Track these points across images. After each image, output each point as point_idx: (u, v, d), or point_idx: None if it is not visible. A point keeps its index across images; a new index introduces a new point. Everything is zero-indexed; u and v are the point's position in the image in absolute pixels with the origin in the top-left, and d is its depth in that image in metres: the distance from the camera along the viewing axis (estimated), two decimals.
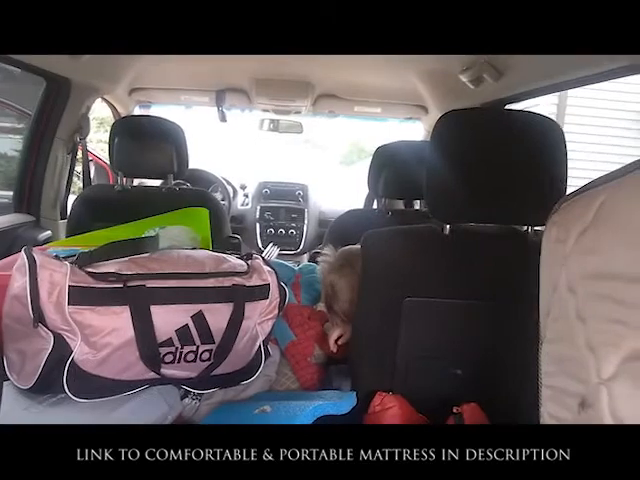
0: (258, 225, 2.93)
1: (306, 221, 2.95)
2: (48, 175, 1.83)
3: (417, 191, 1.68)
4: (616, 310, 0.54)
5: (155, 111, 2.68)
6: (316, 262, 1.58)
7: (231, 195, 2.99)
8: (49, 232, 1.82)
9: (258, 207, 2.96)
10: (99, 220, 1.62)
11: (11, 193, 1.88)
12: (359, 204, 2.57)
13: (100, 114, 3.69)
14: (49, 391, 0.95)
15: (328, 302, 1.22)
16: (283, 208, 2.98)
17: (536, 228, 0.99)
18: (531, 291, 0.80)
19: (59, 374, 0.91)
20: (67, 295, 0.90)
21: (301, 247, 2.92)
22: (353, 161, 11.24)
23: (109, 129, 1.81)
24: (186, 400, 1.10)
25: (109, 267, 0.96)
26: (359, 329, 1.06)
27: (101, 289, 0.93)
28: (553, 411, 0.71)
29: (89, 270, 0.94)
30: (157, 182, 2.52)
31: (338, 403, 0.91)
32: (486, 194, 0.95)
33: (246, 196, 3.09)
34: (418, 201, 1.99)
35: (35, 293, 0.89)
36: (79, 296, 0.91)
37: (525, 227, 1.00)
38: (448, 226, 0.99)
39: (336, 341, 1.17)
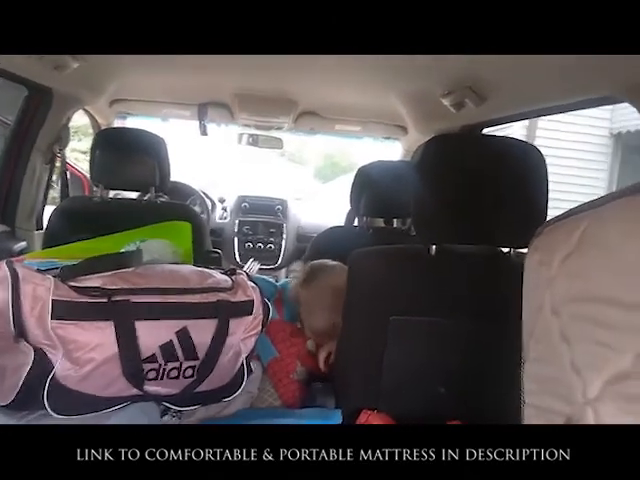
0: (236, 239, 2.92)
1: (285, 236, 2.96)
2: (25, 185, 1.79)
3: (397, 210, 1.73)
4: (600, 333, 0.56)
5: (131, 123, 2.67)
6: None
7: (209, 208, 2.97)
8: (24, 243, 1.78)
9: (237, 221, 2.96)
10: (77, 232, 1.58)
11: None
12: (337, 220, 2.60)
13: (75, 123, 3.65)
14: (27, 408, 0.93)
15: (300, 318, 1.22)
16: (262, 222, 2.98)
17: (518, 250, 1.02)
18: (513, 311, 0.82)
19: (39, 390, 0.89)
20: (50, 309, 0.88)
21: (279, 262, 2.92)
22: (327, 175, 11.34)
23: (83, 138, 1.80)
24: (166, 417, 1.08)
25: (93, 281, 0.95)
26: (344, 347, 1.07)
27: (85, 303, 0.91)
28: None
29: (72, 284, 0.92)
30: (133, 194, 2.53)
31: (324, 422, 0.91)
32: (470, 216, 0.98)
33: (224, 210, 3.08)
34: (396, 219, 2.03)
35: (17, 307, 0.87)
36: (62, 311, 0.89)
37: (507, 249, 1.03)
38: (434, 246, 1.01)
39: (326, 359, 1.17)
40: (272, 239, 2.95)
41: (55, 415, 0.91)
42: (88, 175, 2.79)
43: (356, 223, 1.93)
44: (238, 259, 2.86)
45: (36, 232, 1.92)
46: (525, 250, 1.00)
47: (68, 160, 2.43)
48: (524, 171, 0.96)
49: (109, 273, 0.98)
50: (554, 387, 0.69)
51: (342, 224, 2.06)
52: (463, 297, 1.00)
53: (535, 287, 0.75)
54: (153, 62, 1.71)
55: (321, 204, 5.27)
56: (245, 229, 2.95)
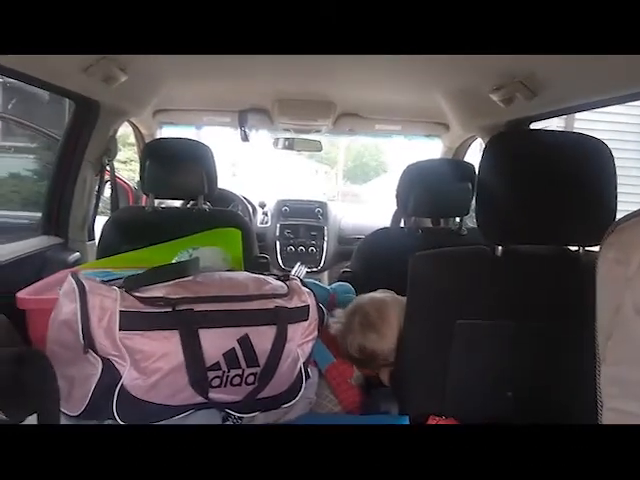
0: (278, 243, 2.92)
1: (326, 238, 2.95)
2: (76, 197, 1.83)
3: (447, 209, 1.70)
4: None
5: (166, 132, 2.70)
6: (348, 281, 1.58)
7: (251, 213, 2.99)
8: (78, 254, 1.82)
9: (278, 225, 2.96)
10: (130, 241, 1.62)
11: (26, 213, 1.89)
12: (377, 221, 2.57)
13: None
14: (96, 417, 0.95)
15: (363, 364, 1.18)
16: (303, 226, 2.98)
17: (587, 248, 0.98)
18: (584, 312, 0.79)
19: (108, 400, 0.91)
20: (118, 320, 0.89)
21: (321, 265, 2.92)
22: (357, 176, 11.30)
23: (121, 148, 1.84)
24: (227, 424, 1.09)
25: (156, 291, 0.96)
26: (408, 352, 1.05)
27: (151, 314, 0.93)
28: None
29: (137, 295, 0.94)
30: (177, 202, 2.57)
31: None
32: (538, 215, 0.94)
33: (265, 214, 3.09)
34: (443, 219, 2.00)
35: (85, 319, 0.89)
36: (129, 321, 0.91)
37: (576, 247, 0.99)
38: (500, 247, 0.98)
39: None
40: (313, 242, 2.95)
41: (123, 424, 0.92)
42: (131, 184, 2.89)
43: (402, 224, 1.90)
44: (281, 263, 2.86)
45: (88, 243, 1.96)
46: (595, 248, 0.97)
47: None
48: (593, 167, 0.93)
49: (171, 282, 0.99)
50: (636, 390, 0.66)
51: (385, 226, 2.02)
52: (531, 298, 0.97)
53: (611, 286, 0.72)
54: (195, 72, 1.73)
55: (359, 206, 5.27)
56: (286, 233, 2.95)
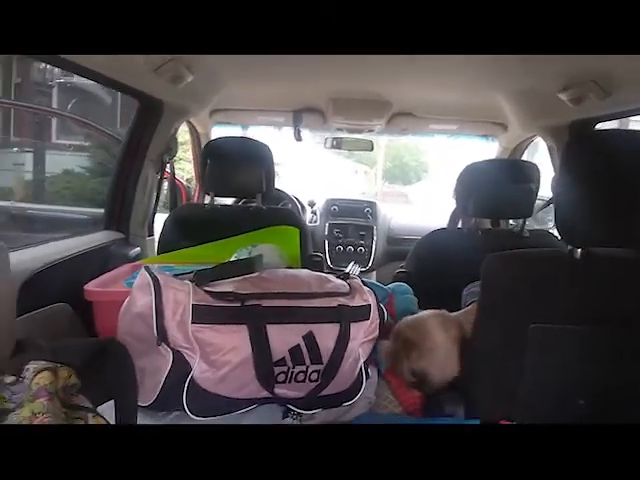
0: (327, 242, 2.93)
1: (375, 238, 2.94)
2: (138, 194, 1.89)
3: (509, 210, 1.66)
4: None
5: (216, 131, 2.74)
6: (404, 281, 1.57)
7: (300, 212, 3.02)
8: (138, 249, 1.88)
9: (327, 224, 2.97)
10: (189, 238, 1.66)
11: (79, 209, 1.94)
12: (427, 222, 2.54)
13: None
14: (166, 408, 0.97)
15: (423, 388, 1.16)
16: (351, 225, 2.98)
17: None
18: None
19: (178, 391, 0.93)
20: (190, 314, 0.92)
21: (370, 264, 2.91)
22: (396, 176, 11.20)
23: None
24: (287, 420, 1.09)
25: (226, 286, 0.98)
26: (479, 354, 1.03)
27: (221, 308, 0.94)
28: None
29: (208, 289, 0.96)
30: (229, 200, 2.61)
31: None
32: (619, 217, 0.91)
33: (314, 213, 3.11)
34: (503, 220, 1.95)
35: (160, 312, 0.91)
36: (201, 315, 0.93)
37: None
38: (579, 250, 0.95)
39: None
40: (362, 242, 2.94)
41: (192, 416, 0.94)
42: (184, 182, 2.95)
43: (459, 225, 1.88)
44: (330, 262, 2.87)
45: (148, 238, 2.02)
46: None
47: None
48: None
49: (239, 278, 1.00)
50: None
51: (442, 226, 1.99)
52: (609, 303, 0.93)
53: None
54: (254, 72, 1.76)
55: (407, 206, 5.22)
56: (335, 232, 2.96)
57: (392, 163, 11.90)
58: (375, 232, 2.95)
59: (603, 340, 0.93)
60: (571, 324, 0.93)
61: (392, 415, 1.15)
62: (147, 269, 0.98)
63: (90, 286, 1.27)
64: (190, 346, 0.93)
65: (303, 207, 3.12)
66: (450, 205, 2.02)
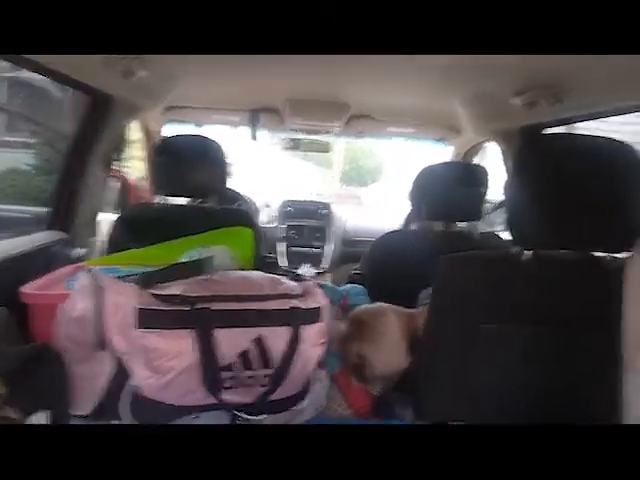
0: (282, 244, 2.91)
1: (330, 240, 2.93)
2: (83, 192, 1.81)
3: (461, 213, 1.68)
4: None
5: (167, 129, 2.67)
6: (358, 283, 1.56)
7: (255, 213, 2.98)
8: (83, 250, 1.80)
9: (282, 226, 2.95)
10: (138, 238, 1.60)
11: (24, 208, 1.86)
12: (383, 224, 2.56)
13: None
14: (106, 417, 0.93)
15: (360, 374, 1.18)
16: (307, 227, 2.96)
17: (614, 255, 0.97)
18: (610, 319, 0.78)
19: (119, 399, 0.89)
20: (134, 318, 0.88)
21: (325, 266, 2.90)
22: (353, 178, 11.28)
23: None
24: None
25: (174, 289, 0.94)
26: (429, 356, 1.03)
27: (168, 312, 0.90)
28: None
29: (154, 292, 0.92)
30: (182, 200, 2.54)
31: None
32: (568, 221, 0.93)
33: (269, 214, 3.08)
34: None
35: (101, 316, 0.87)
36: (145, 319, 0.89)
37: (603, 254, 0.98)
38: (529, 252, 0.97)
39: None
40: (317, 243, 2.93)
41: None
42: (134, 181, 2.86)
43: (413, 227, 1.89)
44: (284, 264, 2.84)
45: (94, 239, 1.94)
46: (620, 255, 0.96)
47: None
48: (625, 173, 0.91)
49: (188, 280, 0.97)
50: None
51: (394, 228, 2.00)
52: (557, 305, 0.95)
53: None
54: (210, 70, 1.72)
55: (362, 208, 5.25)
56: (291, 233, 2.94)
57: (349, 166, 11.98)
58: (330, 234, 2.95)
59: (548, 340, 0.95)
60: (519, 324, 0.94)
61: (341, 418, 1.14)
62: (88, 271, 0.94)
63: (28, 288, 1.20)
64: (132, 352, 0.89)
65: (258, 208, 3.08)
66: (405, 207, 2.04)
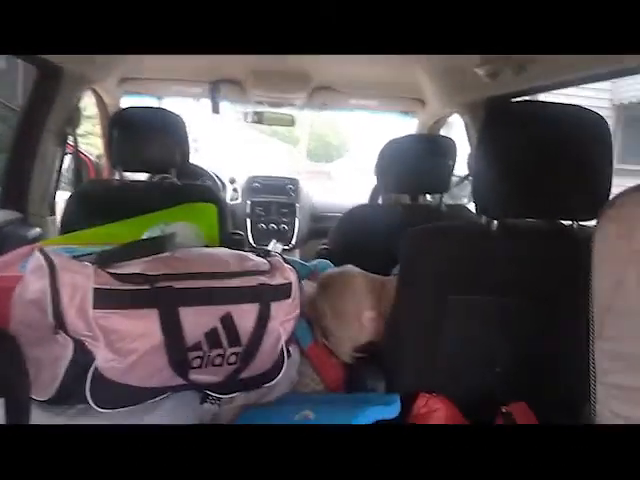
0: (249, 220, 2.86)
1: (297, 215, 2.90)
2: (37, 169, 1.72)
3: (427, 186, 1.68)
4: None
5: (126, 102, 2.57)
6: (326, 258, 1.55)
7: (221, 189, 2.91)
8: (39, 229, 1.72)
9: (249, 202, 2.90)
10: (96, 217, 1.53)
11: None
12: (350, 199, 2.54)
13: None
14: (68, 402, 0.89)
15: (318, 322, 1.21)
16: (274, 203, 2.92)
17: (581, 223, 0.97)
18: (579, 287, 0.78)
19: (81, 383, 0.85)
20: (91, 299, 0.83)
21: (293, 242, 2.87)
22: (320, 155, 11.24)
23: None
24: (205, 405, 1.05)
25: (133, 267, 0.90)
26: (397, 328, 1.03)
27: (128, 291, 0.86)
28: (619, 410, 0.69)
29: (112, 271, 0.87)
30: (143, 176, 2.46)
31: (387, 407, 0.87)
32: (535, 189, 0.93)
33: (235, 190, 3.02)
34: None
35: (56, 297, 0.82)
36: (104, 299, 0.84)
37: (570, 222, 0.98)
38: (495, 222, 0.96)
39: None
40: (285, 219, 2.89)
41: (98, 409, 0.86)
42: (93, 158, 2.75)
43: (379, 201, 1.88)
44: (252, 241, 2.80)
45: (49, 218, 1.86)
46: (589, 223, 0.96)
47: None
48: (591, 141, 0.91)
49: (148, 258, 0.93)
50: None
51: (362, 202, 1.99)
52: (525, 275, 0.96)
53: (612, 261, 0.71)
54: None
55: (330, 183, 5.23)
56: (257, 210, 2.89)
57: (317, 142, 11.90)
58: (298, 210, 2.91)
59: (517, 310, 0.96)
60: (487, 295, 0.95)
61: (314, 393, 1.14)
62: (41, 251, 0.88)
63: None
64: (92, 334, 0.84)
65: (224, 184, 3.02)
66: (371, 181, 2.02)
